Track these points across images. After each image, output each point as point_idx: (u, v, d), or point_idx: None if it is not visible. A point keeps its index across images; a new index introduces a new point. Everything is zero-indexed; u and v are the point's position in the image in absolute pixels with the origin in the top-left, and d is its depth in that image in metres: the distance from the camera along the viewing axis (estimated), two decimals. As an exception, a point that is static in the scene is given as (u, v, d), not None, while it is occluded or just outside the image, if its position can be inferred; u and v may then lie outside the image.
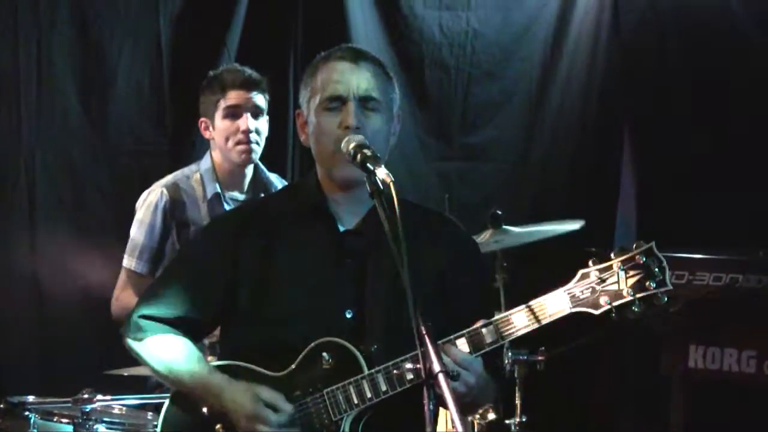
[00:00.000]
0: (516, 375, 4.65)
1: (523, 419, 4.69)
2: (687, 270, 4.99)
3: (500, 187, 5.84)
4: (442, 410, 3.13)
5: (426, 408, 2.38)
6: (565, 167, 5.96)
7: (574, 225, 4.71)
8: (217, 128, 4.25)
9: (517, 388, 4.67)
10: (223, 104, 4.21)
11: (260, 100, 4.26)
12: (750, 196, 5.53)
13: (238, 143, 4.22)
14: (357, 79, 2.87)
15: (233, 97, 4.21)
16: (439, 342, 2.68)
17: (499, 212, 4.73)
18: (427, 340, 2.40)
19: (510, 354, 4.56)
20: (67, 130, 5.17)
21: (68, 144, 5.18)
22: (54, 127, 5.15)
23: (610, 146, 5.97)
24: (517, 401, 4.69)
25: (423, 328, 2.40)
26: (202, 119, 4.31)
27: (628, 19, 5.91)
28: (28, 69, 5.08)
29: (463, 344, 2.75)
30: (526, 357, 4.58)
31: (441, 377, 2.36)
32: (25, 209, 5.10)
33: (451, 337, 2.74)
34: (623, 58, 5.93)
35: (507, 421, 4.71)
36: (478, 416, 4.54)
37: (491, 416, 4.59)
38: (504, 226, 4.75)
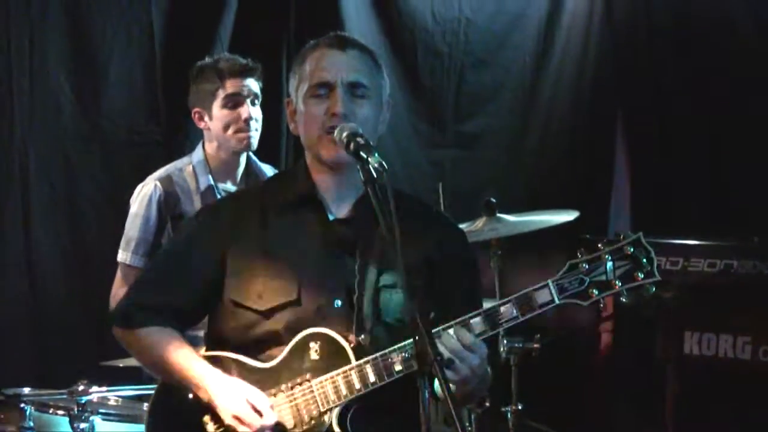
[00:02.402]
0: (512, 362, 4.68)
1: (519, 406, 4.72)
2: (682, 256, 5.00)
3: (494, 175, 5.85)
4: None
5: (421, 397, 2.36)
6: (558, 155, 5.96)
7: (569, 216, 4.72)
8: (215, 117, 4.21)
9: (512, 375, 4.69)
10: (221, 93, 4.18)
11: (256, 87, 4.25)
12: (743, 183, 5.54)
13: (238, 131, 4.20)
14: (345, 66, 2.85)
15: (232, 85, 4.19)
16: (454, 322, 2.69)
17: (493, 200, 4.74)
18: (423, 329, 2.38)
19: (505, 342, 4.58)
20: (60, 121, 5.15)
21: (61, 136, 5.16)
22: (47, 119, 5.12)
23: (604, 134, 5.97)
24: (513, 388, 4.71)
25: (418, 317, 2.39)
26: (197, 109, 4.26)
27: (619, 7, 5.90)
28: (20, 60, 5.05)
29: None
30: (521, 345, 4.59)
31: (435, 366, 2.35)
32: (18, 201, 5.07)
33: (442, 326, 2.71)
34: (616, 46, 5.93)
35: (503, 409, 4.73)
36: (474, 405, 4.55)
37: (486, 404, 4.61)
38: (498, 215, 4.76)
